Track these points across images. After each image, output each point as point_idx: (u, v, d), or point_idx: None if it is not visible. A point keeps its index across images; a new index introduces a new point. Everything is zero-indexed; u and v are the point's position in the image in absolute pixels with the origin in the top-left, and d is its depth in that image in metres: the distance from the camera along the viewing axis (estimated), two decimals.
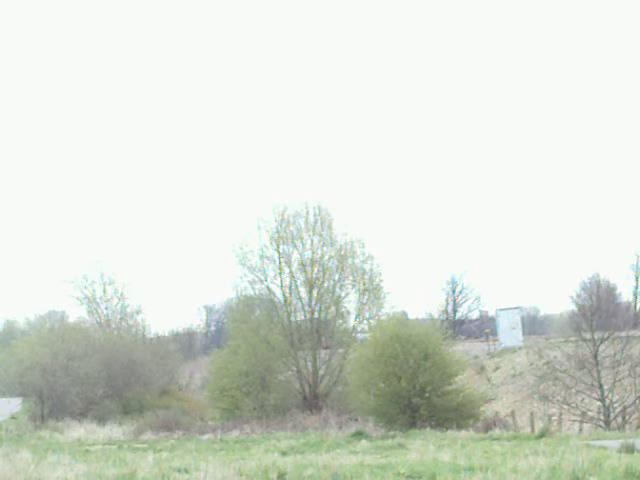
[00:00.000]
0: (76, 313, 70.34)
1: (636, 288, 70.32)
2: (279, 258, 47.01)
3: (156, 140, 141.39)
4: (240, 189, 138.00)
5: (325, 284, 46.90)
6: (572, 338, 41.76)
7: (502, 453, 19.25)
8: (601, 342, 37.12)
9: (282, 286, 47.18)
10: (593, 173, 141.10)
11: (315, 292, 46.63)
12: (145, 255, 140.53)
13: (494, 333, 64.66)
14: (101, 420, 43.49)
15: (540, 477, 13.45)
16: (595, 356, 36.61)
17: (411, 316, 66.13)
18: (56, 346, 50.91)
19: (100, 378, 50.23)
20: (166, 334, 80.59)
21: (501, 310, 63.24)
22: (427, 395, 34.41)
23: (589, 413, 36.34)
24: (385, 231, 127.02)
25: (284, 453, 22.53)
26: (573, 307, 72.72)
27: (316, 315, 47.05)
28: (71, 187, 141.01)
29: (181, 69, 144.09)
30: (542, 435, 25.84)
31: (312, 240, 47.09)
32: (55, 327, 63.35)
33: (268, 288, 47.70)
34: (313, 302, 46.70)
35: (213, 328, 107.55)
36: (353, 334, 47.83)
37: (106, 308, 68.74)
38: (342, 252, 47.08)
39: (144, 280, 79.78)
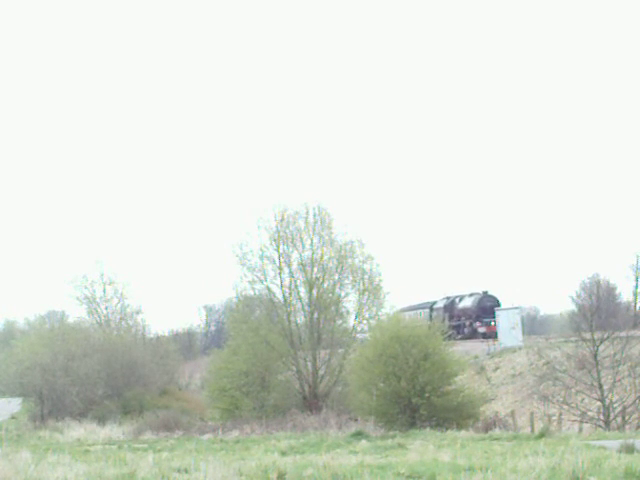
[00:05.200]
0: (76, 313, 70.25)
1: (636, 288, 70.13)
2: (279, 258, 46.98)
3: (156, 140, 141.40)
4: (240, 189, 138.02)
5: (325, 284, 46.85)
6: (572, 338, 41.72)
7: (502, 453, 19.25)
8: (601, 342, 37.05)
9: (282, 286, 47.14)
10: (593, 173, 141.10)
11: (315, 292, 46.58)
12: (145, 255, 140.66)
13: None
14: (101, 420, 43.48)
15: (540, 477, 13.46)
16: (595, 356, 36.55)
17: None
18: (56, 346, 50.88)
19: (100, 378, 50.19)
20: (166, 334, 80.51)
21: (501, 310, 63.21)
22: (427, 395, 34.39)
23: (589, 413, 36.30)
24: (385, 231, 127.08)
25: (284, 453, 22.52)
26: (573, 307, 72.71)
27: (316, 315, 47.00)
28: (71, 187, 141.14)
29: (181, 69, 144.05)
30: (542, 435, 25.82)
31: (312, 240, 47.06)
32: (55, 327, 63.40)
33: (268, 288, 47.68)
34: (313, 302, 46.66)
35: (213, 328, 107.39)
36: (353, 334, 47.81)
37: (106, 308, 68.73)
38: (342, 252, 47.04)
39: (144, 280, 79.92)
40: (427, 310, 76.69)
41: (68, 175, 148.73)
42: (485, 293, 71.07)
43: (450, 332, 71.38)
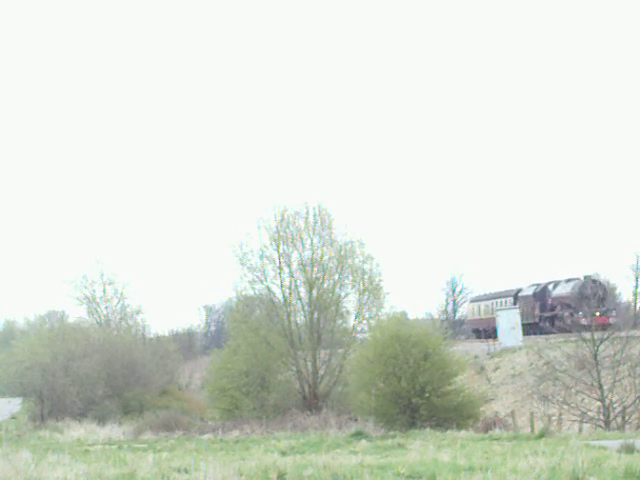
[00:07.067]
0: (76, 313, 70.27)
1: (636, 288, 70.09)
2: (279, 258, 47.01)
3: (156, 140, 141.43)
4: (240, 189, 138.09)
5: (325, 284, 46.87)
6: (572, 338, 41.75)
7: (502, 453, 19.26)
8: (601, 342, 37.12)
9: (282, 286, 47.18)
10: (593, 173, 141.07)
11: (315, 292, 46.61)
12: (145, 255, 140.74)
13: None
14: (101, 420, 43.48)
15: (540, 477, 13.48)
16: (595, 356, 36.59)
17: (411, 316, 65.96)
18: (56, 346, 50.92)
19: (100, 378, 50.21)
20: (166, 334, 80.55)
21: (500, 310, 63.20)
22: (427, 395, 34.43)
23: (589, 413, 36.31)
24: (385, 231, 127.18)
25: (284, 453, 22.54)
26: None
27: (316, 315, 47.04)
28: (71, 187, 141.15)
29: (181, 69, 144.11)
30: (542, 435, 25.86)
31: (312, 240, 47.11)
32: (55, 327, 63.44)
33: (268, 288, 47.71)
34: (313, 302, 46.69)
35: (213, 328, 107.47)
36: (353, 334, 47.83)
37: (106, 308, 68.78)
38: (342, 252, 47.07)
39: (144, 280, 79.80)
40: (511, 298, 69.29)
41: (68, 175, 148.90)
42: (588, 278, 61.54)
43: (542, 324, 61.92)
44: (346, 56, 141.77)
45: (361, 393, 36.91)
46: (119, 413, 47.60)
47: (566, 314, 58.54)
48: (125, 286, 68.68)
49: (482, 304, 74.91)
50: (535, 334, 60.01)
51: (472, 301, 79.78)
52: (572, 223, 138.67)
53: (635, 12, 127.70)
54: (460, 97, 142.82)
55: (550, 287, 64.95)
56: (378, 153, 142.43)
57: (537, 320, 64.41)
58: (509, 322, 59.16)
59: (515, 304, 67.17)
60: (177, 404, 50.49)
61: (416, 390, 34.52)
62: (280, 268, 47.03)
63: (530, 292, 67.02)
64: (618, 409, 35.63)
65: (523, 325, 63.60)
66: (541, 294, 65.40)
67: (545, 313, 62.98)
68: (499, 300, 71.10)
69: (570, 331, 50.66)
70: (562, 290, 62.90)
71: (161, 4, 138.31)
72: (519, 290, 69.64)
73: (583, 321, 54.28)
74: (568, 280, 63.21)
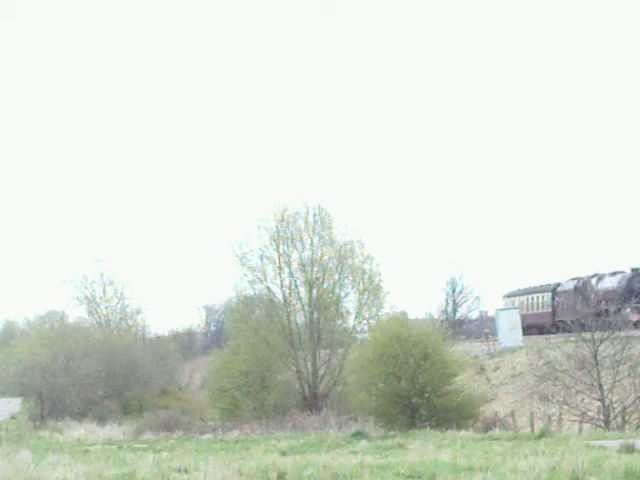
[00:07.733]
0: (76, 313, 70.35)
1: None
2: (279, 258, 47.06)
3: (156, 140, 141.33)
4: (240, 189, 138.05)
5: (325, 284, 46.92)
6: (572, 338, 41.72)
7: (502, 453, 19.28)
8: (601, 342, 37.12)
9: (282, 286, 47.22)
10: (592, 174, 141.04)
11: (315, 292, 46.65)
12: (145, 255, 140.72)
13: (494, 333, 64.45)
14: (101, 420, 43.54)
15: (540, 477, 13.50)
16: (595, 356, 36.60)
17: (411, 316, 65.68)
18: (56, 346, 50.98)
19: (100, 378, 50.29)
20: (166, 334, 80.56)
21: (501, 310, 63.10)
22: (427, 395, 34.47)
23: (589, 413, 36.31)
24: (385, 231, 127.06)
25: (284, 453, 22.58)
26: None
27: (316, 315, 47.07)
28: (71, 187, 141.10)
29: (181, 69, 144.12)
30: (542, 435, 25.89)
31: (312, 240, 47.16)
32: (55, 327, 63.57)
33: (268, 288, 47.75)
34: (313, 302, 46.72)
35: (213, 328, 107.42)
36: (353, 334, 47.88)
37: (106, 308, 68.86)
38: (342, 252, 47.13)
39: (144, 280, 79.70)
40: (549, 294, 65.36)
41: (68, 175, 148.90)
42: (636, 271, 57.46)
43: (584, 321, 59.02)
44: (346, 56, 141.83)
45: (361, 393, 36.93)
46: (119, 413, 47.69)
47: (612, 310, 50.00)
48: (125, 286, 68.85)
49: (517, 299, 70.98)
50: (577, 332, 55.52)
51: (506, 296, 75.29)
52: (572, 223, 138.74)
53: (635, 12, 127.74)
54: (460, 96, 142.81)
55: (593, 281, 59.83)
56: (378, 153, 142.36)
57: (579, 317, 61.13)
58: (509, 322, 59.11)
59: (553, 299, 64.37)
60: (177, 404, 50.61)
61: (416, 390, 34.55)
62: (280, 268, 47.08)
63: (571, 286, 62.80)
64: (618, 409, 35.63)
65: (562, 322, 60.49)
66: (584, 288, 59.93)
67: (588, 309, 59.68)
68: (535, 295, 67.94)
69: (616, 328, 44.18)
70: (607, 284, 58.13)
71: (161, 4, 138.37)
72: (558, 284, 65.78)
73: (632, 317, 51.34)
74: (613, 273, 59.13)
